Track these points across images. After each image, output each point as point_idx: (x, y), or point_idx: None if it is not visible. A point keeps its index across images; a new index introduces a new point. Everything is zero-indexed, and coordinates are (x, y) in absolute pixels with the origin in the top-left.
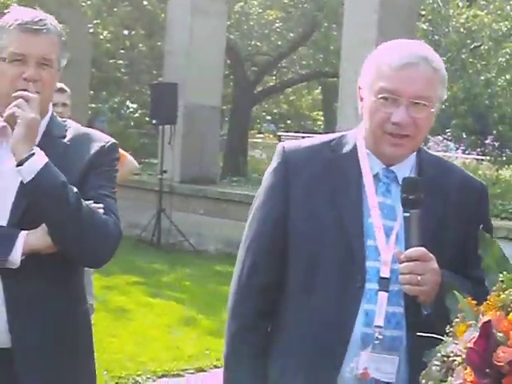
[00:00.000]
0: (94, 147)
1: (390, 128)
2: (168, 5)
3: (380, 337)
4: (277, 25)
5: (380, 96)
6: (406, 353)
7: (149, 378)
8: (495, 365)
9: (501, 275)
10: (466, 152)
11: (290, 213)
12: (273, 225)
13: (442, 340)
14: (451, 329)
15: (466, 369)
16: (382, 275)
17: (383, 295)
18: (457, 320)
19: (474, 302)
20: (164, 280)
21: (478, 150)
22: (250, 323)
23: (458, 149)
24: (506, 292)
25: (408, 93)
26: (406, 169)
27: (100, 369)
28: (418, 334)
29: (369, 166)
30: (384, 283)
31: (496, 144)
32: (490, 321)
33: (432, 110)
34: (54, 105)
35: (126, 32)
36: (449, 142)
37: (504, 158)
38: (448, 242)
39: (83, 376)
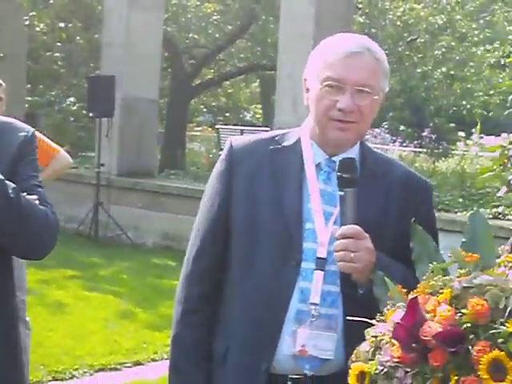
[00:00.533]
0: (19, 137)
1: (335, 114)
2: None
3: (316, 314)
4: (215, 17)
5: (326, 84)
6: (342, 331)
7: (86, 372)
8: (421, 339)
9: (430, 265)
10: (404, 144)
11: (233, 198)
12: (217, 211)
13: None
14: (381, 317)
15: (393, 345)
16: (319, 255)
17: (319, 274)
18: (387, 308)
19: (404, 290)
20: (101, 274)
21: (415, 142)
22: (193, 307)
23: (395, 141)
24: (435, 278)
25: (352, 80)
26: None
27: (36, 363)
28: (349, 317)
29: (312, 155)
30: (320, 263)
31: (433, 136)
32: (416, 297)
33: (376, 97)
34: None
35: (62, 24)
36: (386, 135)
37: (440, 151)
38: (388, 236)
39: (11, 370)
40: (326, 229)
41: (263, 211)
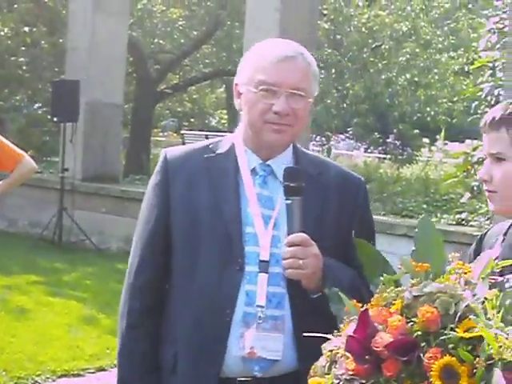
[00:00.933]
0: None
1: (271, 118)
2: (69, 1)
3: (262, 316)
4: (180, 23)
5: (260, 88)
6: (291, 332)
7: (48, 378)
8: (374, 350)
9: (381, 278)
10: (368, 151)
11: (171, 209)
12: (154, 224)
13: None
14: (338, 333)
15: (347, 358)
16: (262, 258)
17: (263, 276)
18: (343, 324)
19: (359, 304)
20: (65, 279)
21: (380, 148)
22: (134, 321)
23: (359, 147)
24: (388, 290)
25: (287, 84)
26: (281, 163)
27: None
28: (305, 335)
29: (246, 161)
30: (263, 266)
31: (397, 143)
32: (366, 309)
33: (309, 100)
34: None
35: (26, 29)
36: (351, 141)
37: (405, 157)
38: (328, 235)
39: None
40: (266, 232)
41: (203, 218)
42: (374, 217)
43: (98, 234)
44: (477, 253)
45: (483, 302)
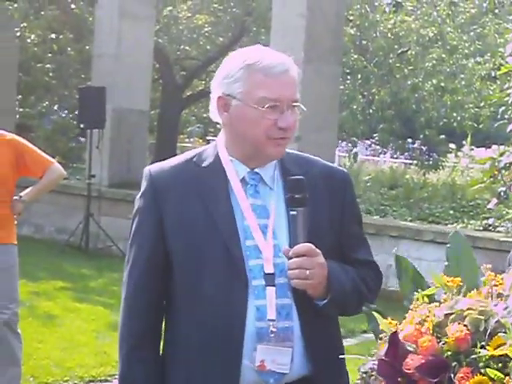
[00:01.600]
0: None
1: (275, 133)
2: (96, 8)
3: (274, 329)
4: (206, 29)
5: (266, 106)
6: (298, 342)
7: (76, 383)
8: (406, 373)
9: (415, 293)
10: (394, 156)
11: (166, 232)
12: (149, 249)
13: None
14: (375, 350)
15: (380, 382)
16: (267, 271)
17: (271, 290)
18: (380, 341)
19: (394, 322)
20: (92, 285)
21: (406, 154)
22: (139, 343)
23: (385, 153)
24: (421, 306)
25: (287, 98)
26: (269, 169)
27: (26, 375)
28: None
29: (234, 171)
30: (269, 278)
31: (423, 148)
32: (396, 331)
33: (300, 111)
34: None
35: (53, 35)
36: (377, 147)
37: (431, 162)
38: (323, 232)
39: None
40: (267, 243)
41: (201, 238)
42: (402, 222)
43: (125, 240)
44: None
45: None
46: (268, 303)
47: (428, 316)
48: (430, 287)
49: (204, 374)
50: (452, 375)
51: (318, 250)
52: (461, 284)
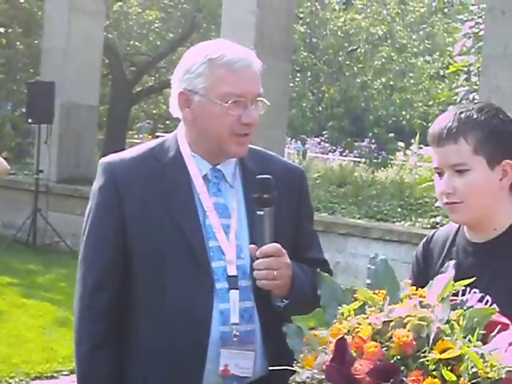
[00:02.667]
0: None
1: (239, 129)
2: (45, 2)
3: (237, 333)
4: (156, 25)
5: (229, 101)
6: (260, 345)
7: (22, 380)
8: (355, 378)
9: (340, 307)
10: (343, 154)
11: (127, 229)
12: (110, 245)
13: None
14: (299, 364)
15: None
16: (230, 273)
17: (235, 293)
18: (302, 355)
19: (319, 333)
20: (39, 281)
21: (355, 152)
22: (100, 343)
23: (335, 151)
24: (349, 318)
25: (252, 93)
26: (230, 166)
27: None
28: (272, 368)
29: (197, 168)
30: (233, 281)
31: (372, 146)
32: (343, 337)
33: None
34: None
35: (2, 30)
36: (326, 144)
37: (379, 160)
38: (282, 231)
39: None
40: (230, 244)
41: (164, 238)
42: (350, 220)
43: (73, 236)
44: (425, 257)
45: (448, 322)
46: (231, 307)
47: (357, 327)
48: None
49: (164, 377)
50: (403, 379)
51: (284, 250)
52: (387, 297)
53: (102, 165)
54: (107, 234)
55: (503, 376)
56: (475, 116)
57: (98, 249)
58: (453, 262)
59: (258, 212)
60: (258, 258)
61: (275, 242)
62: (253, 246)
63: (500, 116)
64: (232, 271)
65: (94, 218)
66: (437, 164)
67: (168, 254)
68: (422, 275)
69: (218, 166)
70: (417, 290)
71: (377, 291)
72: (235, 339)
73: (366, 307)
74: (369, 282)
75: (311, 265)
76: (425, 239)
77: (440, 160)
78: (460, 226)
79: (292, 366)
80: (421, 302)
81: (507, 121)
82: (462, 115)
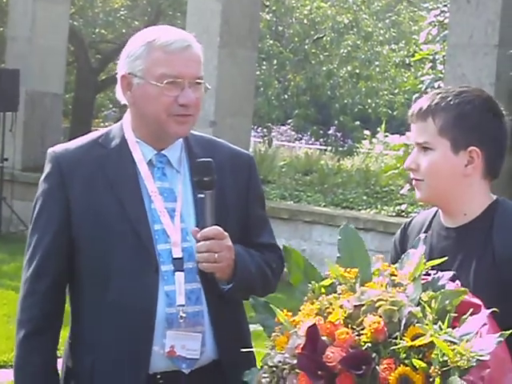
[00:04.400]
0: None
1: (176, 110)
2: None
3: (184, 315)
4: (122, 12)
5: (164, 82)
6: (208, 326)
7: None
8: (326, 366)
9: (310, 285)
10: (309, 142)
11: (72, 216)
12: (54, 232)
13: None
14: (270, 343)
15: (298, 375)
16: (175, 256)
17: (180, 275)
18: (275, 334)
19: (290, 313)
20: (4, 269)
21: (321, 140)
22: (38, 329)
23: (301, 139)
24: (320, 298)
25: (189, 74)
26: (176, 150)
27: None
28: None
29: (141, 154)
30: (178, 263)
31: (338, 134)
32: (314, 324)
33: (203, 88)
34: None
35: None
36: (292, 133)
37: (345, 149)
38: (229, 216)
39: None
40: (175, 227)
41: (109, 222)
42: (316, 208)
43: None
44: (402, 242)
45: (419, 303)
46: (177, 289)
47: (328, 307)
48: (325, 278)
49: (112, 359)
50: (376, 366)
51: (225, 233)
52: (358, 275)
53: (48, 154)
54: (51, 221)
55: (473, 364)
56: (450, 99)
57: (42, 235)
58: (423, 235)
59: (199, 195)
60: (199, 241)
61: (218, 225)
62: (195, 229)
63: (476, 103)
64: (177, 253)
65: (40, 204)
66: (411, 140)
67: (113, 238)
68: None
69: (163, 152)
70: (389, 266)
71: (348, 269)
72: (181, 321)
73: (337, 284)
74: (339, 255)
75: (262, 250)
76: (403, 225)
77: (411, 136)
78: (437, 211)
79: (241, 347)
80: (392, 280)
81: (483, 109)
82: (438, 96)
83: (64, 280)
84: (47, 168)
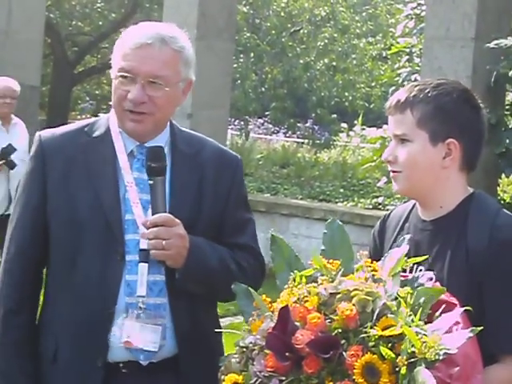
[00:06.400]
0: None
1: (127, 105)
2: None
3: (143, 306)
4: (98, 5)
5: (119, 75)
6: (170, 320)
7: None
8: (295, 348)
9: (292, 273)
10: (287, 135)
11: (48, 197)
12: (31, 211)
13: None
14: (246, 327)
15: (265, 355)
16: (142, 247)
17: (143, 266)
18: (252, 318)
19: (269, 299)
20: None
21: (298, 133)
22: (14, 308)
23: (278, 132)
24: (299, 286)
25: (143, 72)
26: (159, 144)
27: None
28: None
29: (122, 144)
30: (144, 254)
31: (315, 127)
32: (286, 306)
33: (167, 89)
34: None
35: None
36: (269, 125)
37: (322, 141)
38: (205, 215)
39: None
40: (146, 219)
41: (82, 208)
42: (293, 201)
43: None
44: (381, 234)
45: (396, 298)
46: (138, 279)
47: (306, 296)
48: (307, 268)
49: (73, 343)
50: (343, 352)
51: (177, 221)
52: (340, 267)
53: (35, 137)
54: (29, 204)
55: (440, 358)
56: (428, 91)
57: (20, 216)
58: (408, 235)
59: (149, 181)
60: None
61: (190, 217)
62: (145, 219)
63: (454, 95)
64: (144, 245)
65: (23, 184)
66: (388, 132)
67: (84, 224)
68: (379, 252)
69: (146, 144)
70: (372, 262)
71: (331, 261)
72: (141, 312)
73: (318, 275)
74: (323, 248)
75: (238, 250)
76: (382, 217)
77: (389, 128)
78: (415, 204)
79: (203, 345)
80: (373, 275)
81: (461, 101)
82: (416, 88)
83: (41, 262)
84: (32, 150)
